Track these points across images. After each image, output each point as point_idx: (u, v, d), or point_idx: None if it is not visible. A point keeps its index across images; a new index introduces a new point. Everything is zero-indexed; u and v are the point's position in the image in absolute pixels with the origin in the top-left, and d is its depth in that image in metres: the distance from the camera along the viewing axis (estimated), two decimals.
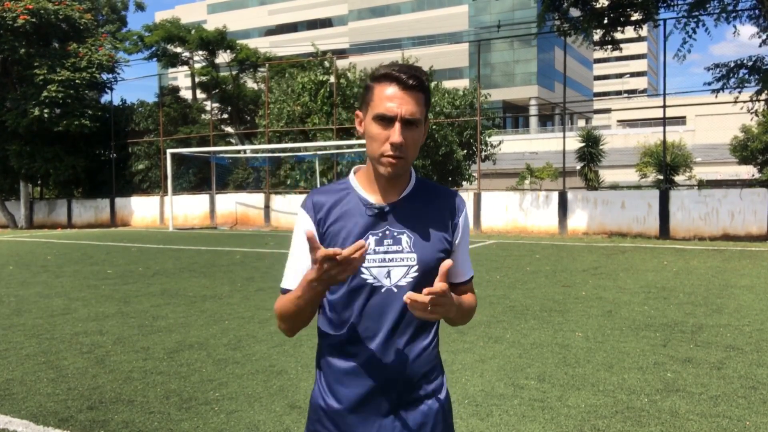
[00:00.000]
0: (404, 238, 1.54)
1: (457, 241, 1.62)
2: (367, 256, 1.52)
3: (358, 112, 1.60)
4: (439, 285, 1.40)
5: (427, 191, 1.62)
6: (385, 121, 1.49)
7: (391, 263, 1.53)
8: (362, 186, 1.60)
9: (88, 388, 4.43)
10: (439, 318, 1.48)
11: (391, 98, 1.49)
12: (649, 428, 3.61)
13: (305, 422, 1.69)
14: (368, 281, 1.53)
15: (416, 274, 1.53)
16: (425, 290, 1.38)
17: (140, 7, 34.39)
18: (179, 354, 5.31)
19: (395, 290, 1.52)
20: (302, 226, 1.59)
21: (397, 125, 1.48)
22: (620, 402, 4.04)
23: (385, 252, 1.53)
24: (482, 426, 3.67)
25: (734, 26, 15.84)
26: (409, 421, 1.56)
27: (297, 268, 1.58)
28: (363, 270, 1.53)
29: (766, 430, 3.59)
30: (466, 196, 19.48)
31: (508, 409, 3.93)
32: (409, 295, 1.38)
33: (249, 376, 4.67)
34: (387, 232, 1.55)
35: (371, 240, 1.54)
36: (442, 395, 1.63)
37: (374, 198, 1.57)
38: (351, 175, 1.64)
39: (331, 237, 1.56)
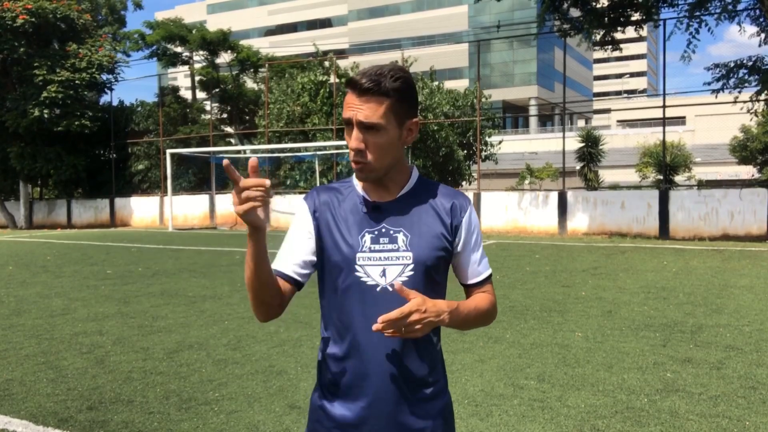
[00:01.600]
0: (400, 237, 1.54)
1: (460, 242, 1.60)
2: (363, 254, 1.53)
3: None
4: (406, 307, 1.41)
5: (427, 190, 1.62)
6: (349, 126, 1.52)
7: (386, 262, 1.52)
8: (363, 184, 1.60)
9: (87, 388, 4.43)
10: (420, 335, 1.45)
11: (349, 104, 1.51)
12: (648, 428, 3.61)
13: (305, 422, 1.68)
14: (363, 279, 1.53)
15: (411, 273, 1.53)
16: (384, 318, 1.39)
17: (138, 5, 34.36)
18: (179, 354, 5.30)
19: (390, 289, 1.52)
20: (300, 217, 1.61)
21: (355, 130, 1.50)
22: (620, 402, 4.04)
23: (381, 250, 1.53)
24: (482, 426, 3.67)
25: (738, 23, 15.82)
26: (410, 425, 1.54)
27: (288, 251, 1.60)
28: (357, 268, 1.53)
29: (766, 430, 3.59)
30: None
31: (508, 409, 3.93)
32: (381, 319, 1.39)
33: (249, 376, 4.67)
34: (383, 230, 1.54)
35: (367, 237, 1.54)
36: (443, 400, 1.61)
37: (372, 196, 1.58)
38: (354, 174, 1.65)
39: (327, 232, 1.57)
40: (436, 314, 1.45)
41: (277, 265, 1.59)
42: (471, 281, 1.65)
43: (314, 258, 1.60)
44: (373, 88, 1.49)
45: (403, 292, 1.44)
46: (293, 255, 1.59)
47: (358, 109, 1.49)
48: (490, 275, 1.68)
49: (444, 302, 1.50)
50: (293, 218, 1.63)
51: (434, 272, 1.57)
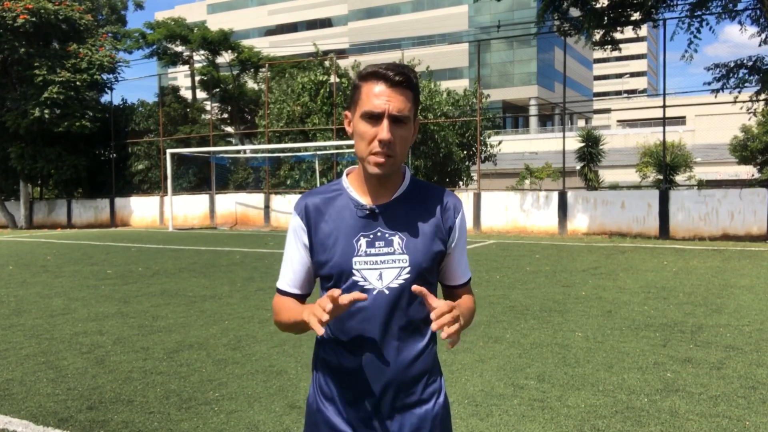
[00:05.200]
0: (396, 240, 1.53)
1: (453, 243, 1.60)
2: (359, 258, 1.53)
3: (346, 112, 1.59)
4: (447, 304, 1.43)
5: (420, 192, 1.61)
6: (373, 118, 1.49)
7: (382, 265, 1.52)
8: (354, 187, 1.59)
9: (87, 388, 4.43)
10: (459, 332, 1.45)
11: (378, 95, 1.48)
12: (648, 428, 3.61)
13: (303, 424, 1.68)
14: (360, 283, 1.52)
15: (408, 275, 1.53)
16: (438, 312, 1.40)
17: (139, 5, 34.34)
18: (179, 354, 5.31)
19: (387, 292, 1.52)
20: (294, 228, 1.61)
21: (385, 122, 1.48)
22: (620, 402, 4.04)
23: (377, 254, 1.52)
24: (482, 426, 3.67)
25: (740, 22, 15.82)
26: (406, 425, 1.54)
27: (290, 270, 1.63)
28: (355, 272, 1.52)
29: (766, 430, 3.59)
30: (466, 196, 19.49)
31: (508, 409, 3.93)
32: (437, 313, 1.40)
33: (249, 376, 4.67)
34: (379, 234, 1.54)
35: (362, 241, 1.53)
36: (439, 399, 1.61)
37: (366, 199, 1.57)
38: (344, 177, 1.63)
39: (322, 238, 1.56)
40: (465, 320, 1.52)
41: (286, 286, 1.63)
42: (456, 282, 1.66)
43: (313, 268, 1.62)
44: (404, 82, 1.49)
45: (425, 296, 1.44)
46: (297, 273, 1.62)
47: (390, 100, 1.48)
48: (470, 277, 1.72)
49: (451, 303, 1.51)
50: (289, 227, 1.63)
51: (429, 274, 1.57)
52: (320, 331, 1.38)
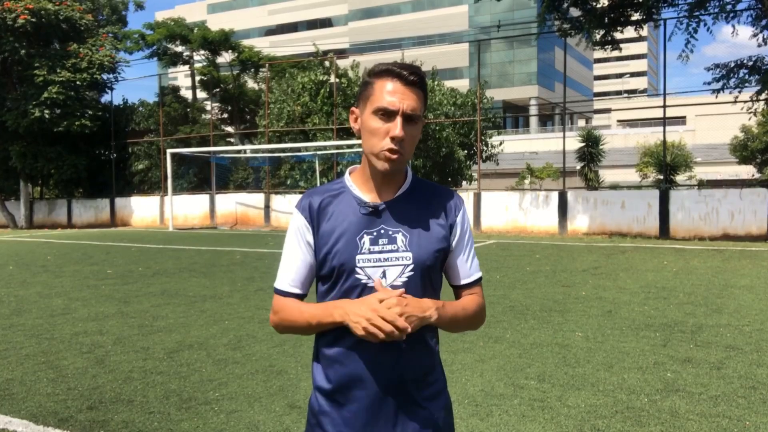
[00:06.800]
0: (399, 237, 1.53)
1: (454, 240, 1.60)
2: (363, 256, 1.52)
3: (353, 108, 1.59)
4: (383, 294, 1.46)
5: (423, 190, 1.61)
6: (386, 115, 1.49)
7: (386, 263, 1.52)
8: (357, 185, 1.59)
9: (88, 388, 4.43)
10: (409, 330, 1.46)
11: (392, 93, 1.49)
12: (649, 428, 3.61)
13: (305, 422, 1.67)
14: (363, 281, 1.52)
15: (411, 273, 1.52)
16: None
17: (139, 6, 34.34)
18: (179, 354, 5.31)
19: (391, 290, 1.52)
20: (296, 226, 1.59)
21: (399, 119, 1.48)
22: (620, 402, 4.04)
23: (380, 251, 1.52)
24: (482, 426, 3.67)
25: (733, 26, 15.83)
26: (408, 425, 1.54)
27: (291, 269, 1.59)
28: (358, 270, 1.52)
29: (766, 430, 3.59)
30: (466, 196, 19.49)
31: (508, 409, 3.93)
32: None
33: (249, 376, 4.67)
34: (382, 231, 1.53)
35: (366, 239, 1.53)
36: (442, 399, 1.60)
37: (370, 197, 1.57)
38: (346, 175, 1.63)
39: (325, 236, 1.55)
40: (420, 309, 1.45)
41: (287, 286, 1.60)
42: (462, 282, 1.64)
43: (315, 266, 1.61)
44: (417, 81, 1.50)
45: (380, 288, 1.48)
46: (299, 273, 1.59)
47: (404, 98, 1.49)
48: (481, 278, 1.67)
49: (429, 300, 1.50)
50: (290, 227, 1.61)
51: (433, 272, 1.57)
52: (380, 337, 1.43)
